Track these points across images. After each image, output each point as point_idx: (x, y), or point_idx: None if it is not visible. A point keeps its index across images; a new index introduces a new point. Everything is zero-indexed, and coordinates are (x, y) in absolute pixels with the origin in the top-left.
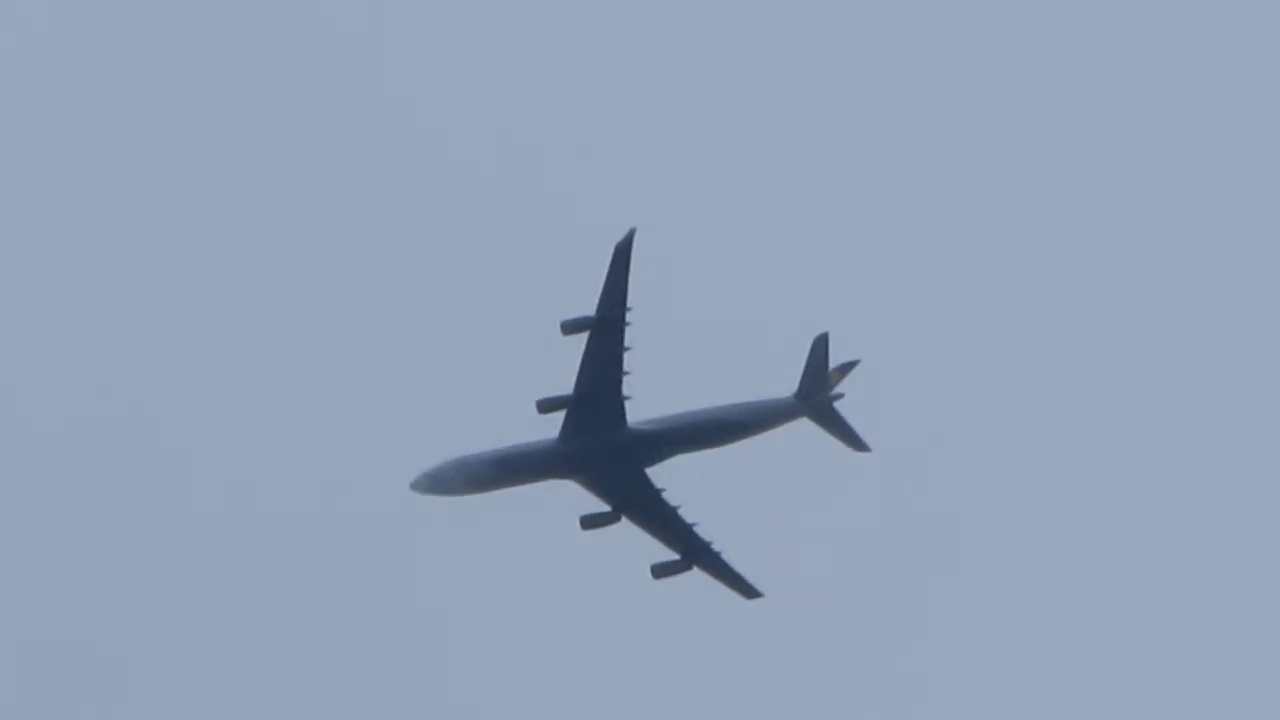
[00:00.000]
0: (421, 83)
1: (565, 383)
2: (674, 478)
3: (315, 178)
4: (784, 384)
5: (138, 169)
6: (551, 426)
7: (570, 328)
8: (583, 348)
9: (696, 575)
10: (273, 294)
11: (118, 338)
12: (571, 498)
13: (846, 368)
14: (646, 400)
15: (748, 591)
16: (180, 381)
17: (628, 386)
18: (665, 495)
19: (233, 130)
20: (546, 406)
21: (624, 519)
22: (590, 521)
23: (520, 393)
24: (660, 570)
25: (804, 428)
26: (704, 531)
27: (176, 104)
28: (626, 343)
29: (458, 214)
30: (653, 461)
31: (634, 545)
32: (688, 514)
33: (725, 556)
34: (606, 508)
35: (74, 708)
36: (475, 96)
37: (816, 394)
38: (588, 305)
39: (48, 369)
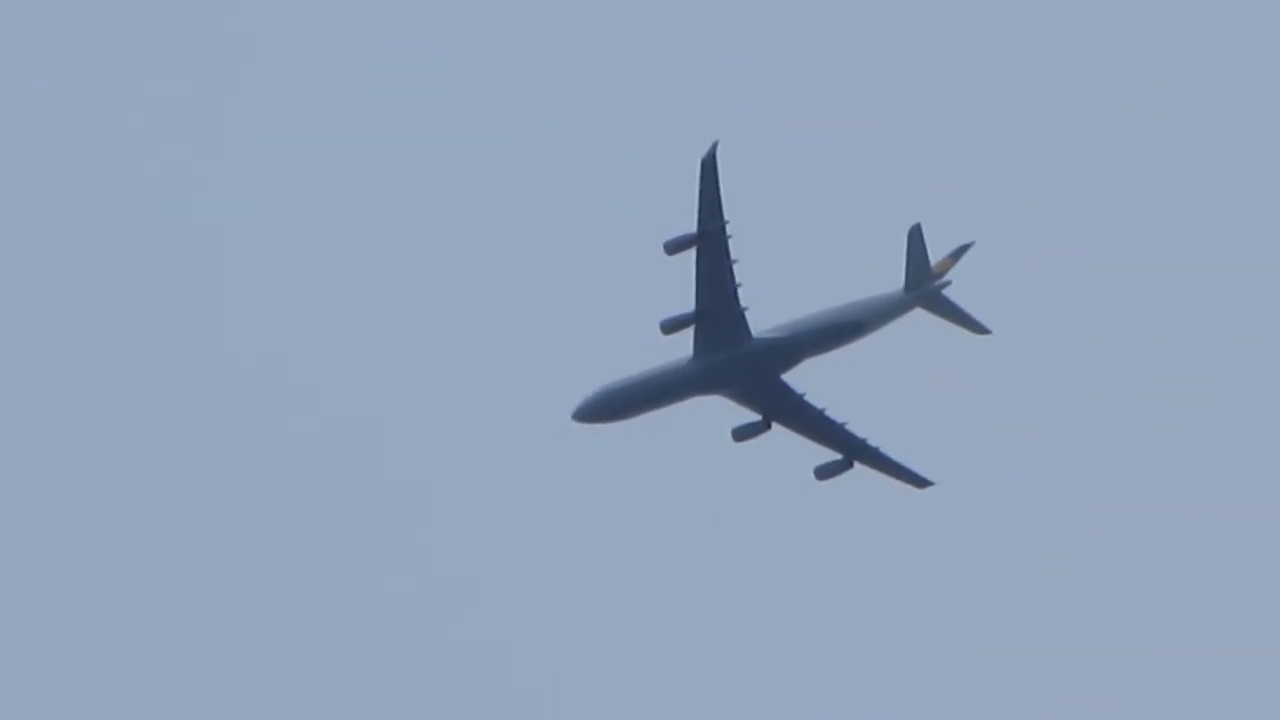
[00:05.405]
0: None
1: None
2: (806, 383)
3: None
4: (893, 280)
5: None
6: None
7: (674, 247)
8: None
9: (859, 472)
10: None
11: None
12: (718, 413)
13: (959, 253)
14: (766, 309)
15: (918, 482)
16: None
17: (744, 297)
18: (808, 399)
19: None
20: (670, 327)
21: (775, 427)
22: (742, 433)
23: (644, 318)
24: (824, 472)
25: (920, 319)
26: (856, 430)
27: None
28: (733, 255)
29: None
30: (785, 368)
31: (790, 452)
32: (834, 415)
33: (885, 450)
34: (756, 418)
35: None
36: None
37: (923, 283)
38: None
39: None
